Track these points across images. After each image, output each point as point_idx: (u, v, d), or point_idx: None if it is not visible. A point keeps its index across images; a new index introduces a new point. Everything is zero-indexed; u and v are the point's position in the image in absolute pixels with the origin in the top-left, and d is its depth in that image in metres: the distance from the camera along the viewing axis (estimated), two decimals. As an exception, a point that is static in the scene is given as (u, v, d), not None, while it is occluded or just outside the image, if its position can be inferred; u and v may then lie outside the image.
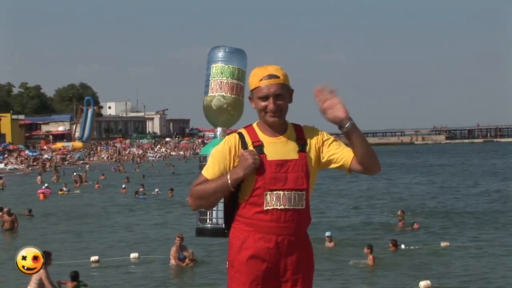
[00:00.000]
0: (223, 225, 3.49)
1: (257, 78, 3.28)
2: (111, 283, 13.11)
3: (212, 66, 3.63)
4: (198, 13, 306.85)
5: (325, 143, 3.35)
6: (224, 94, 3.56)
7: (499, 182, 35.03)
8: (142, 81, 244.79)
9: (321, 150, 3.35)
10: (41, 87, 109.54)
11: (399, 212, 21.18)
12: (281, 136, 3.31)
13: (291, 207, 3.27)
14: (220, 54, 3.64)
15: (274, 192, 3.24)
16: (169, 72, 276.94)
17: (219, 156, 3.28)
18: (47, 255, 11.08)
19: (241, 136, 3.32)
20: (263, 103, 3.26)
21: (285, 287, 3.31)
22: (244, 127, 3.39)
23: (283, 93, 3.27)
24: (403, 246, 16.02)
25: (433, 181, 37.31)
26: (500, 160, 58.27)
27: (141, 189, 31.90)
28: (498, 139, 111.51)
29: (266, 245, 3.27)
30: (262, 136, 3.30)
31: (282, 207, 3.25)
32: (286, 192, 3.25)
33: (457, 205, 25.19)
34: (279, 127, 3.31)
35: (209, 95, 3.64)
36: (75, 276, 12.01)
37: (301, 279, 3.33)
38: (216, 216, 3.62)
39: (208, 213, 3.64)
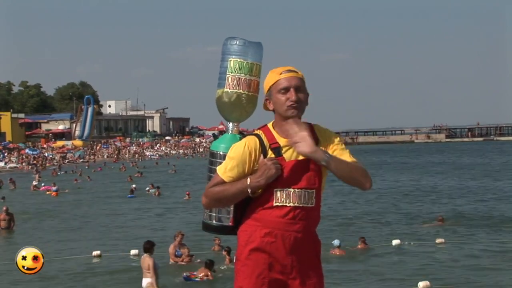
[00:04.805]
0: (230, 223, 3.47)
1: (276, 73, 3.28)
2: (111, 277, 13.10)
3: (230, 59, 3.44)
4: (198, 13, 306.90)
5: (335, 148, 3.31)
6: (242, 92, 3.43)
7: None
8: (142, 80, 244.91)
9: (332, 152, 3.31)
10: (41, 86, 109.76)
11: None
12: None
13: (301, 205, 3.25)
14: (238, 47, 3.44)
15: (285, 189, 3.23)
16: (169, 71, 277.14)
17: (239, 160, 3.22)
18: (151, 244, 11.42)
19: (259, 138, 3.27)
20: (283, 97, 3.23)
21: (293, 284, 3.29)
22: (260, 128, 3.34)
23: (302, 88, 3.27)
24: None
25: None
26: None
27: (150, 188, 32.12)
28: (498, 138, 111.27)
29: (271, 239, 3.25)
30: (278, 138, 3.28)
31: (291, 204, 3.24)
32: (296, 190, 3.24)
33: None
34: None
35: (225, 90, 3.47)
36: (210, 263, 12.39)
37: (309, 277, 3.31)
38: (222, 214, 3.51)
39: (214, 210, 3.54)
